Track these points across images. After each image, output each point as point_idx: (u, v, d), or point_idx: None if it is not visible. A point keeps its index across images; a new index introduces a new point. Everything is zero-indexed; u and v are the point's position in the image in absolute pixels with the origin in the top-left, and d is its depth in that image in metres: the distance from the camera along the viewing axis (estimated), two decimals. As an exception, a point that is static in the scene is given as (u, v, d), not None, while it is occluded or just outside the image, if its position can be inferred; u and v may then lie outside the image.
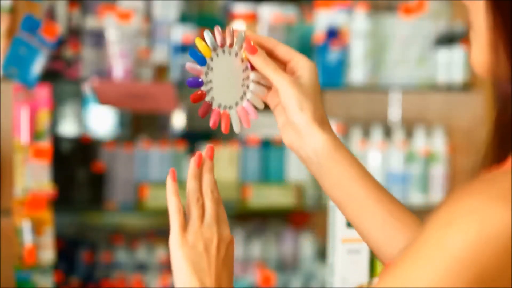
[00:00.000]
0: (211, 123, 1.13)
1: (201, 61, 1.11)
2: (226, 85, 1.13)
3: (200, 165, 1.10)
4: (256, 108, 1.16)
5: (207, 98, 1.12)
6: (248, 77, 1.15)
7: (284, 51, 1.14)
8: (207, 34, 1.10)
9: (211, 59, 1.11)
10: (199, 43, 1.10)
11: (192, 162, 1.10)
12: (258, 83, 1.15)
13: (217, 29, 1.11)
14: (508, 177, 0.77)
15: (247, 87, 1.15)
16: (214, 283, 1.02)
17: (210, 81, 1.12)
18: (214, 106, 1.12)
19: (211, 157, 1.11)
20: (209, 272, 1.02)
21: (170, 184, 1.08)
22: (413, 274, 0.77)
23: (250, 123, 1.16)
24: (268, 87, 1.15)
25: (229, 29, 1.12)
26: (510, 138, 0.83)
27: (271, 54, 1.14)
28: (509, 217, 0.74)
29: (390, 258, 1.11)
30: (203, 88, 1.11)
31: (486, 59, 0.84)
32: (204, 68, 1.11)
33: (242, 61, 1.13)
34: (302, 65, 1.12)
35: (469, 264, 0.75)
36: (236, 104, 1.14)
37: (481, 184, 0.78)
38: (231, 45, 1.12)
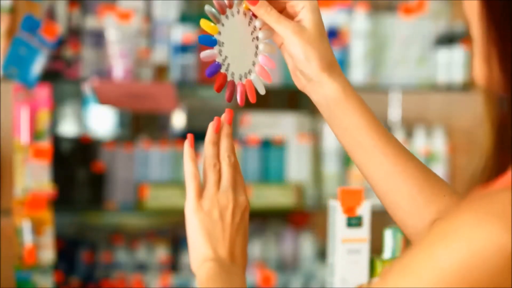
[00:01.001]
0: (227, 96, 1.12)
1: (212, 42, 1.10)
2: (240, 52, 1.13)
3: (218, 130, 1.08)
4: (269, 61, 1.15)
5: (228, 74, 1.11)
6: (257, 37, 1.14)
7: None
8: (208, 7, 1.10)
9: (220, 34, 1.11)
10: (204, 24, 1.10)
11: (210, 127, 1.08)
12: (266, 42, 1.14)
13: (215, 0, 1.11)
14: (507, 195, 0.77)
15: (257, 47, 1.14)
16: (228, 251, 1.02)
17: (226, 57, 1.11)
18: (231, 78, 1.12)
19: (230, 122, 1.09)
20: (223, 239, 1.02)
21: (187, 150, 1.06)
22: (402, 286, 0.77)
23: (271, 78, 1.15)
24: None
25: None
26: (510, 149, 0.83)
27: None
28: (506, 237, 0.73)
29: (399, 209, 1.12)
30: (222, 68, 1.11)
31: (482, 71, 0.84)
32: (216, 48, 1.11)
33: (245, 15, 1.13)
34: (302, 5, 1.11)
35: (460, 282, 0.74)
36: (253, 65, 1.14)
37: (478, 201, 0.77)
38: (230, 6, 1.12)
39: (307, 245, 3.11)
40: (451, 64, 2.99)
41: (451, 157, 3.10)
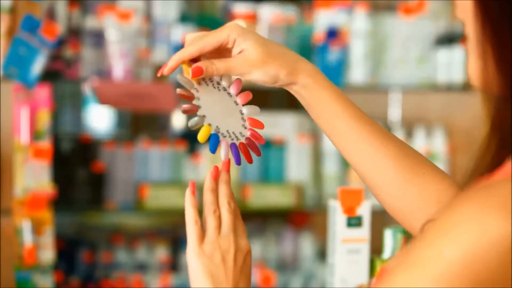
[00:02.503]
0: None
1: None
2: (223, 113, 1.14)
3: (216, 178, 1.10)
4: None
5: (204, 122, 1.12)
6: (236, 101, 1.15)
7: (210, 44, 1.12)
8: (179, 76, 1.11)
9: (198, 99, 1.12)
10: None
11: (208, 175, 1.10)
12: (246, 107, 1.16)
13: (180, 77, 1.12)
14: (507, 185, 0.77)
15: (241, 111, 1.16)
16: None
17: (205, 116, 1.12)
18: (217, 132, 1.13)
19: (228, 170, 1.12)
20: (227, 283, 1.03)
21: (188, 197, 1.08)
22: (410, 284, 0.77)
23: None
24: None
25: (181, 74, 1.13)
26: (506, 144, 0.83)
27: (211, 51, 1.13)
28: (506, 227, 0.74)
29: (381, 192, 1.13)
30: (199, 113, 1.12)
31: (478, 69, 0.84)
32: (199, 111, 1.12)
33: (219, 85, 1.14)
34: (233, 38, 1.12)
35: (466, 273, 0.75)
36: (244, 128, 1.16)
37: (478, 192, 0.77)
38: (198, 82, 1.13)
39: (307, 245, 3.11)
40: (451, 64, 2.99)
41: (451, 157, 3.10)
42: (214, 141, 1.12)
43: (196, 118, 1.11)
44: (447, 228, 0.76)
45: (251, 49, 1.11)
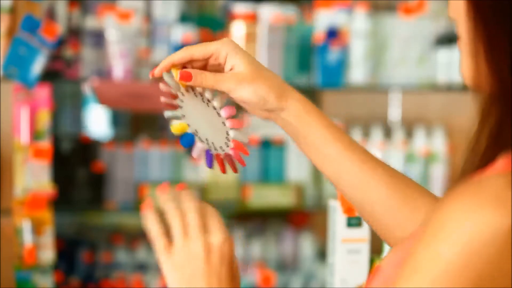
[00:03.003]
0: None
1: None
2: (207, 124, 1.13)
3: (166, 191, 1.04)
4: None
5: (200, 140, 1.10)
6: (224, 122, 1.14)
7: (201, 52, 1.12)
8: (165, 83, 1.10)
9: (181, 108, 1.10)
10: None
11: (159, 192, 1.05)
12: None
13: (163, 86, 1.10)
14: (498, 180, 0.77)
15: (227, 132, 1.14)
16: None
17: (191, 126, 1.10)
18: (205, 144, 1.10)
19: (180, 188, 1.05)
20: (206, 285, 0.98)
21: (147, 214, 1.03)
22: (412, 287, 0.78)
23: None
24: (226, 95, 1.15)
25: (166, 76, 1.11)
26: (495, 141, 0.84)
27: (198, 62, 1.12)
28: (497, 219, 0.74)
29: (376, 219, 1.12)
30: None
31: (470, 69, 0.84)
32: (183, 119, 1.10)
33: (202, 96, 1.14)
34: (225, 53, 1.11)
35: (466, 270, 0.75)
36: (227, 146, 1.14)
37: (469, 188, 0.78)
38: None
39: (307, 245, 3.11)
40: (451, 64, 2.99)
41: (451, 157, 3.10)
42: (188, 139, 1.09)
43: (174, 112, 1.08)
44: (440, 226, 0.76)
45: (241, 65, 1.10)
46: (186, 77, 1.10)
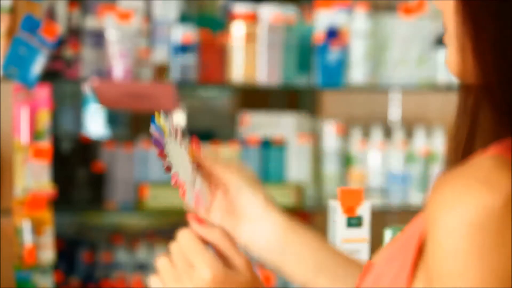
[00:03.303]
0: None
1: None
2: (181, 164, 1.12)
3: None
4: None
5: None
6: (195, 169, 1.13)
7: (220, 173, 1.11)
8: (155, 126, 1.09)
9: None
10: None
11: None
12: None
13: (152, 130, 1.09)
14: (488, 161, 0.77)
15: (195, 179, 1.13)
16: None
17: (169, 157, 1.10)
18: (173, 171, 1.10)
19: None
20: None
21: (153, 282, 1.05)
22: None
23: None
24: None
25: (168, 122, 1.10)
26: (477, 133, 0.84)
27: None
28: (490, 199, 0.73)
29: None
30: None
31: (457, 61, 0.84)
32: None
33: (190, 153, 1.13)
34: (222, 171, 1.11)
35: (464, 255, 0.74)
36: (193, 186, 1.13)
37: (459, 172, 0.77)
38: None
39: (307, 245, 3.10)
40: (451, 64, 2.99)
41: (451, 157, 3.10)
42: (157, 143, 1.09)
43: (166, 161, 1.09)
44: (434, 217, 0.76)
45: (243, 169, 1.11)
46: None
